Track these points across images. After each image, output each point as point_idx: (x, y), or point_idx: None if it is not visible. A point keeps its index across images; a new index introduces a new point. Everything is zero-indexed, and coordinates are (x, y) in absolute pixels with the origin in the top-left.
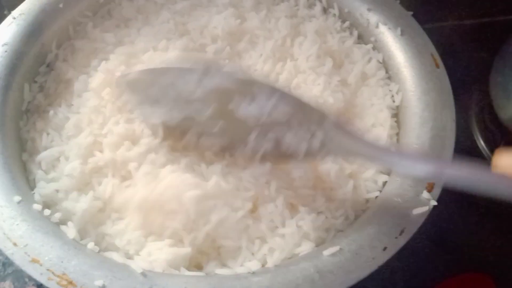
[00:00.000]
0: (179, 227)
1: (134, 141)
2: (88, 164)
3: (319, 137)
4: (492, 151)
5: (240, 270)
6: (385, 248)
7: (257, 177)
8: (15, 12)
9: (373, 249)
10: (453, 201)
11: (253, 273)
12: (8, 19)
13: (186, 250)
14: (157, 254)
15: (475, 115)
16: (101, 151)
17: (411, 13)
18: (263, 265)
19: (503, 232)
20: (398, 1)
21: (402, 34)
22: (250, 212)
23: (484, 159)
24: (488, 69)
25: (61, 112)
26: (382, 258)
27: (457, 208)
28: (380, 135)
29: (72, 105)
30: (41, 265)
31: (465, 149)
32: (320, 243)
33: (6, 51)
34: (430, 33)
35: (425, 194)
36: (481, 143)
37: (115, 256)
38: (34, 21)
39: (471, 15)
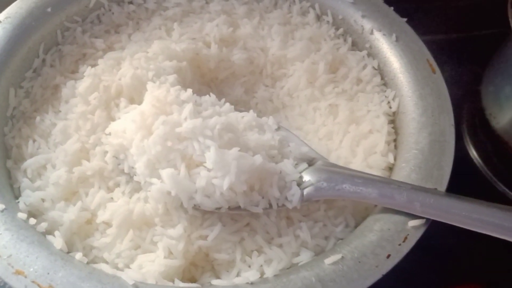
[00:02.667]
0: (171, 241)
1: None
2: (75, 172)
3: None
4: (484, 160)
5: (238, 280)
6: (388, 256)
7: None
8: (1, 16)
9: (376, 257)
10: None
11: (252, 283)
12: None
13: (179, 262)
14: (149, 266)
15: (466, 125)
16: (88, 160)
17: (405, 19)
18: (261, 276)
19: (496, 243)
20: (392, 8)
21: (397, 40)
22: (245, 225)
23: (476, 169)
24: (478, 80)
25: (48, 119)
26: (386, 266)
27: None
28: (377, 141)
29: (60, 111)
30: (25, 276)
31: (457, 159)
32: (320, 252)
33: None
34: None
35: None
36: (473, 153)
37: (105, 268)
38: (20, 25)
39: (458, 28)
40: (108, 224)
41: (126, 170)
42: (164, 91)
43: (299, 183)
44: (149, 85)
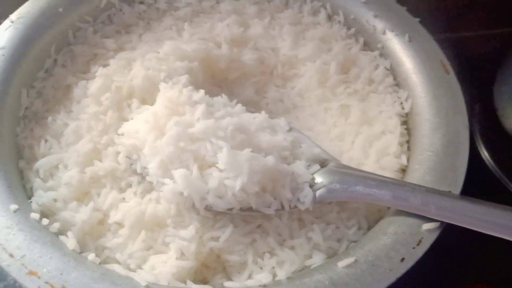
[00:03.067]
0: (183, 242)
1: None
2: (87, 173)
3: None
4: (496, 161)
5: (250, 283)
6: (402, 259)
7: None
8: (13, 16)
9: (390, 260)
10: None
11: (265, 286)
12: (6, 23)
13: (191, 263)
14: (161, 267)
15: (478, 126)
16: (100, 160)
17: (418, 19)
18: (273, 278)
19: (507, 244)
20: (405, 8)
21: (410, 40)
22: (257, 226)
23: (488, 170)
24: (490, 80)
25: (60, 119)
26: (400, 269)
27: None
28: (390, 142)
29: (71, 111)
30: (39, 277)
31: (469, 160)
32: (332, 255)
33: (3, 55)
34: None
35: None
36: (485, 154)
37: (117, 268)
38: (32, 25)
39: (471, 27)
40: (120, 225)
41: (138, 170)
42: (177, 92)
43: (312, 185)
44: (162, 85)
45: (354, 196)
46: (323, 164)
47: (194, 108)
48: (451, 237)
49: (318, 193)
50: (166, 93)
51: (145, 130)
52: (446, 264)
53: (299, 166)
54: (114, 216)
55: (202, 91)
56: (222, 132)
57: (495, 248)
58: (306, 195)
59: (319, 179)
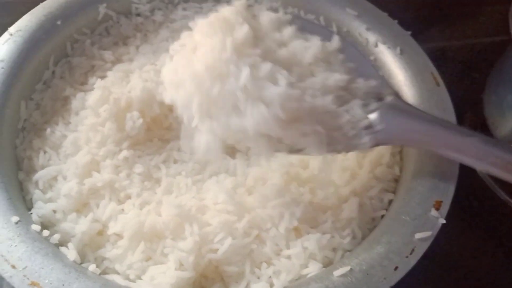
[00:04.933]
0: (182, 253)
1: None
2: (86, 184)
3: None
4: None
5: None
6: (396, 268)
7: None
8: (12, 29)
9: (384, 269)
10: (452, 221)
11: None
12: (5, 36)
13: (190, 273)
14: (160, 278)
15: None
16: (98, 171)
17: (410, 32)
18: (270, 287)
19: (503, 252)
20: (397, 21)
21: (401, 53)
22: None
23: (478, 177)
24: (480, 89)
25: (58, 130)
26: (394, 278)
27: (457, 228)
28: (383, 152)
29: (70, 123)
30: None
31: (460, 167)
32: (328, 264)
33: (2, 68)
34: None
35: (433, 212)
36: None
37: (117, 279)
38: (31, 37)
39: (460, 36)
40: (119, 236)
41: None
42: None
43: (368, 127)
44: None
45: (411, 142)
46: (380, 96)
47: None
48: (444, 245)
49: (374, 136)
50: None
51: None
52: (439, 273)
53: (354, 108)
54: (113, 228)
55: None
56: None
57: (489, 256)
58: (363, 140)
59: (376, 119)
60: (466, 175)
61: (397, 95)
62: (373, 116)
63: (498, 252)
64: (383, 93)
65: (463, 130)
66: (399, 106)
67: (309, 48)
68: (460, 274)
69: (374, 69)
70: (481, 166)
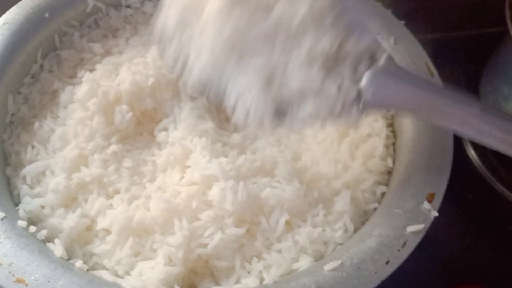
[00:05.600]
0: (171, 248)
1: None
2: (74, 179)
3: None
4: (482, 160)
5: (237, 287)
6: (387, 262)
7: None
8: None
9: (376, 263)
10: (448, 213)
11: None
12: None
13: (179, 269)
14: (149, 273)
15: None
16: (87, 166)
17: (403, 22)
18: (260, 282)
19: (499, 244)
20: (390, 11)
21: (395, 43)
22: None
23: (474, 168)
24: (476, 80)
25: (46, 125)
26: (385, 272)
27: (451, 220)
28: (376, 145)
29: (58, 117)
30: (26, 285)
31: (455, 159)
32: (319, 258)
33: None
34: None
35: (426, 205)
36: (471, 153)
37: (105, 275)
38: (18, 30)
39: (457, 27)
40: (108, 231)
41: None
42: None
43: (357, 97)
44: None
45: (405, 111)
46: (372, 59)
47: None
48: (437, 237)
49: (364, 103)
50: None
51: None
52: (437, 264)
53: (344, 81)
54: (102, 223)
55: None
56: None
57: (482, 247)
58: (353, 116)
59: (365, 85)
60: (463, 166)
61: (390, 57)
62: (362, 82)
63: (493, 244)
64: (375, 55)
65: (462, 97)
66: (391, 70)
67: (298, 8)
68: (454, 266)
69: (370, 21)
70: (481, 139)
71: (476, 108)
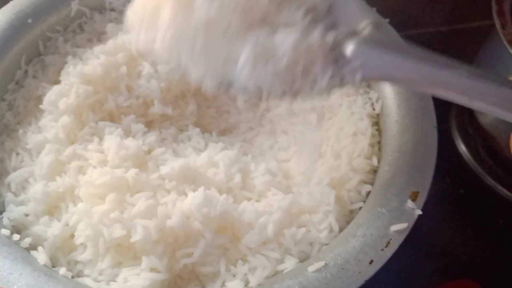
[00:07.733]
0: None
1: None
2: (51, 187)
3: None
4: (473, 155)
5: None
6: (371, 262)
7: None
8: None
9: (359, 263)
10: (439, 208)
11: None
12: None
13: (164, 275)
14: (134, 280)
15: (455, 120)
16: (65, 172)
17: (387, 20)
18: (245, 285)
19: (490, 238)
20: (375, 9)
21: None
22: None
23: (465, 163)
24: None
25: (31, 131)
26: (368, 272)
27: (444, 216)
28: (361, 144)
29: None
30: None
31: (446, 154)
32: (304, 258)
33: None
34: (406, 40)
35: (410, 204)
36: (462, 147)
37: (89, 282)
38: (1, 37)
39: (446, 21)
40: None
41: None
42: None
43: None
44: None
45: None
46: (357, 29)
47: None
48: (430, 233)
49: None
50: None
51: None
52: (426, 261)
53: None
54: (78, 238)
55: None
56: None
57: (475, 243)
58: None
59: (351, 55)
60: (453, 160)
61: (376, 25)
62: (348, 51)
63: (485, 238)
64: (360, 24)
65: (450, 62)
66: (378, 38)
67: None
68: (447, 262)
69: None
70: (474, 105)
71: (465, 70)
